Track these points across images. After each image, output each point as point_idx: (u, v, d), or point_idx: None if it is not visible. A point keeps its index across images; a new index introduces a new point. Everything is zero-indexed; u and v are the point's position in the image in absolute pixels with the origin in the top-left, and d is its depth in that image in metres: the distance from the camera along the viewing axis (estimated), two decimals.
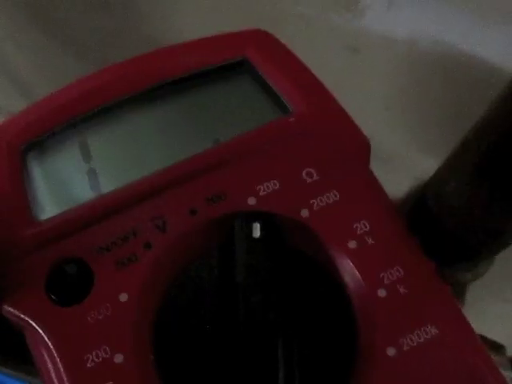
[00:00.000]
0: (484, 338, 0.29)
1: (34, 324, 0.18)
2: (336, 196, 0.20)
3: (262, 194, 0.20)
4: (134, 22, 0.38)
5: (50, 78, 0.41)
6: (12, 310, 0.19)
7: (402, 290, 0.18)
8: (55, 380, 0.17)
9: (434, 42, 0.34)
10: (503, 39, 0.32)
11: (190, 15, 0.37)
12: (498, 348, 0.29)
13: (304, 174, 0.20)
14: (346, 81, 0.36)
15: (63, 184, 0.21)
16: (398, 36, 0.34)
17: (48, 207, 0.21)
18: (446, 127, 0.39)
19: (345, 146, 0.21)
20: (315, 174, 0.20)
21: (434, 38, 0.34)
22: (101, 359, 0.17)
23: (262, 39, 0.25)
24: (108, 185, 0.21)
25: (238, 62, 0.24)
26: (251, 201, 0.20)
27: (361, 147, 0.21)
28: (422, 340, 0.18)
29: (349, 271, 0.19)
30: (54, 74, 0.41)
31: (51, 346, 0.18)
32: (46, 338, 0.18)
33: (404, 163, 0.42)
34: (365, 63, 0.37)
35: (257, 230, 0.19)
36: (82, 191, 0.21)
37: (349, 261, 0.19)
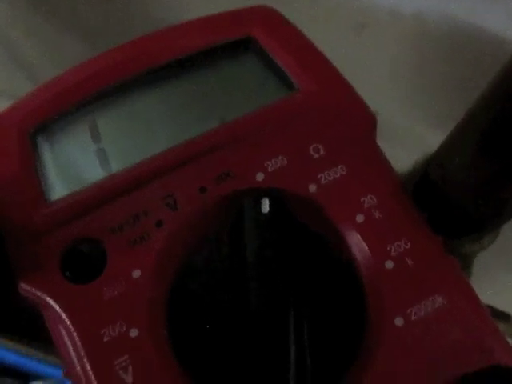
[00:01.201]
0: (491, 308, 0.30)
1: (50, 301, 0.19)
2: (343, 171, 0.20)
3: (269, 170, 0.20)
4: (138, 3, 0.38)
5: (55, 62, 0.41)
6: (29, 288, 0.19)
7: (409, 261, 0.19)
8: (73, 354, 0.18)
9: (441, 16, 0.34)
10: (509, 12, 0.32)
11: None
12: (505, 317, 0.29)
13: (311, 149, 0.21)
14: (352, 57, 0.36)
15: (74, 165, 0.22)
16: (404, 11, 0.34)
17: (60, 188, 0.21)
18: (452, 101, 0.38)
19: (351, 122, 0.21)
20: (322, 150, 0.21)
21: (441, 12, 0.34)
22: (116, 333, 0.18)
23: (268, 16, 0.25)
24: (118, 164, 0.21)
25: (244, 40, 0.24)
26: (259, 177, 0.20)
27: (367, 122, 0.22)
28: (429, 310, 0.18)
29: (356, 244, 0.19)
30: (59, 58, 0.41)
31: (68, 322, 0.18)
32: (62, 315, 0.18)
33: (411, 138, 0.42)
34: (371, 39, 0.37)
35: (266, 206, 0.19)
36: (93, 172, 0.21)
37: (356, 234, 0.19)
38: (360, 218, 0.19)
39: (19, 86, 0.39)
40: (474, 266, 0.28)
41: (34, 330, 0.21)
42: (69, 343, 0.18)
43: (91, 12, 0.40)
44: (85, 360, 0.18)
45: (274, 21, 0.24)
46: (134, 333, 0.18)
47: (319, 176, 0.20)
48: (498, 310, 0.29)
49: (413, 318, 0.18)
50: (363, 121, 0.21)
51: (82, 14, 0.40)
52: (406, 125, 0.41)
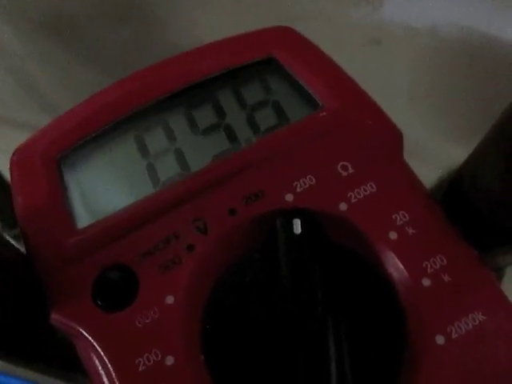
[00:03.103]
0: None
1: (83, 331, 0.18)
2: (373, 188, 0.20)
3: (298, 190, 0.20)
4: (153, 32, 0.39)
5: (71, 92, 0.41)
6: (60, 318, 0.19)
7: (446, 278, 0.18)
8: None
9: (457, 28, 0.34)
10: None
11: (208, 21, 0.37)
12: None
13: (339, 167, 0.20)
14: (370, 73, 0.36)
15: (102, 191, 0.22)
16: (419, 25, 0.34)
17: (89, 215, 0.21)
18: (473, 114, 0.38)
19: (378, 138, 0.21)
20: (350, 167, 0.20)
21: (457, 24, 0.33)
22: (152, 362, 0.18)
23: (288, 36, 0.25)
24: (146, 189, 0.21)
25: (266, 61, 0.24)
26: (289, 197, 0.20)
27: (393, 138, 0.21)
28: (470, 327, 0.18)
29: (392, 262, 0.19)
30: (74, 88, 0.41)
31: (102, 353, 0.18)
32: (96, 345, 0.18)
33: (431, 153, 0.42)
34: (388, 55, 0.37)
35: (298, 227, 0.19)
36: (121, 197, 0.21)
37: (391, 252, 0.19)
38: (393, 236, 0.19)
39: (35, 117, 0.39)
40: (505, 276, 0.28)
41: (66, 360, 0.20)
42: (103, 374, 0.18)
43: (106, 40, 0.41)
44: None
45: (294, 40, 0.24)
46: (169, 361, 0.18)
47: (349, 194, 0.20)
48: None
49: (453, 335, 0.18)
50: (390, 137, 0.21)
51: (97, 44, 0.41)
52: (426, 139, 0.41)
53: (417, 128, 0.40)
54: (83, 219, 0.21)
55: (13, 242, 0.23)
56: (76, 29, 0.41)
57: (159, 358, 0.18)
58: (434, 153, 0.42)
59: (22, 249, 0.21)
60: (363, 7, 0.33)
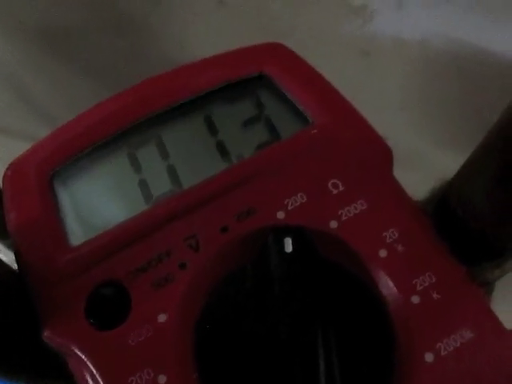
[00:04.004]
0: None
1: (76, 349, 0.19)
2: (363, 205, 0.20)
3: (290, 207, 0.20)
4: (147, 43, 0.39)
5: (67, 102, 0.42)
6: (53, 335, 0.19)
7: (435, 295, 0.19)
8: None
9: (446, 40, 0.34)
10: None
11: (201, 34, 0.37)
12: None
13: (330, 185, 0.21)
14: (360, 84, 0.36)
15: (95, 207, 0.22)
16: (409, 37, 0.34)
17: (82, 232, 0.21)
18: (462, 124, 0.39)
19: (368, 155, 0.21)
20: (341, 185, 0.21)
21: (446, 37, 0.34)
22: (144, 381, 0.18)
23: (279, 52, 0.25)
24: (139, 206, 0.21)
25: (257, 77, 0.24)
26: (280, 215, 0.20)
27: (383, 155, 0.22)
28: (458, 344, 0.18)
29: (382, 280, 0.19)
30: (71, 98, 0.41)
31: (94, 371, 0.18)
32: (89, 363, 0.18)
33: (422, 161, 0.42)
34: (378, 66, 0.37)
35: (289, 245, 0.19)
36: (114, 213, 0.21)
37: (381, 269, 0.19)
38: (383, 253, 0.19)
39: (32, 127, 0.40)
40: (495, 289, 0.28)
41: (59, 376, 0.21)
42: None
43: (101, 50, 0.41)
44: None
45: (285, 56, 0.25)
46: (162, 379, 0.18)
47: (340, 212, 0.20)
48: None
49: (442, 353, 0.18)
50: (379, 154, 0.22)
51: (92, 54, 0.41)
52: (417, 149, 0.41)
53: (407, 137, 0.41)
54: (76, 236, 0.21)
55: (8, 250, 0.23)
56: (71, 39, 0.41)
57: (152, 377, 0.18)
58: (424, 160, 0.42)
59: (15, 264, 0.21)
60: (353, 20, 0.34)
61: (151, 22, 0.38)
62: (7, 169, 0.23)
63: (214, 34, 0.36)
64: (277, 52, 0.25)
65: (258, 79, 0.24)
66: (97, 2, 0.39)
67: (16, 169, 0.23)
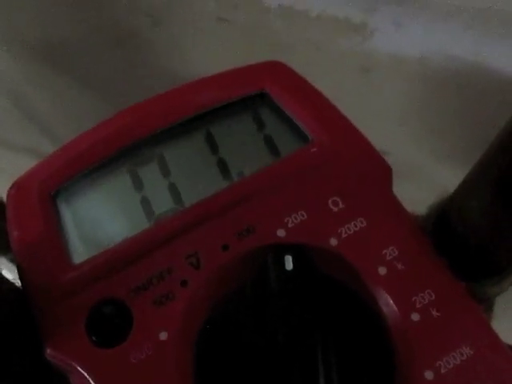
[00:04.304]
0: None
1: (78, 367, 0.19)
2: (363, 223, 0.20)
3: (290, 225, 0.20)
4: (146, 57, 0.39)
5: (68, 115, 0.42)
6: (55, 353, 0.19)
7: (434, 313, 0.19)
8: None
9: (445, 57, 0.34)
10: (510, 50, 0.33)
11: (200, 48, 0.38)
12: None
13: (330, 202, 0.21)
14: (360, 100, 0.37)
15: (98, 226, 0.22)
16: (408, 54, 0.35)
17: (84, 249, 0.21)
18: (462, 138, 0.39)
19: (367, 173, 0.22)
20: (341, 203, 0.21)
21: (445, 54, 0.34)
22: None
23: (279, 71, 0.25)
24: (140, 224, 0.21)
25: (257, 95, 0.24)
26: (280, 233, 0.20)
27: (383, 173, 0.22)
28: (458, 362, 0.18)
29: (382, 297, 0.19)
30: (72, 111, 0.42)
31: None
32: (91, 381, 0.18)
33: (422, 175, 0.42)
34: (377, 83, 0.37)
35: (289, 263, 0.20)
36: (116, 232, 0.21)
37: (380, 287, 0.19)
38: (383, 271, 0.19)
39: (35, 143, 0.40)
40: (495, 305, 0.28)
41: None
42: None
43: (101, 65, 0.41)
44: None
45: (286, 75, 0.25)
46: None
47: (340, 230, 0.20)
48: None
49: (442, 370, 0.18)
50: (379, 172, 0.22)
51: (93, 67, 0.41)
52: (417, 163, 0.41)
53: (407, 151, 0.41)
54: (78, 254, 0.21)
55: (11, 266, 0.24)
56: (71, 54, 0.42)
57: None
58: (424, 174, 0.42)
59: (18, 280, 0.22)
60: (353, 37, 0.34)
61: (151, 36, 0.38)
62: (11, 187, 0.23)
63: (213, 49, 0.37)
64: (277, 70, 0.25)
65: (258, 97, 0.24)
66: (97, 17, 0.40)
67: (19, 187, 0.23)
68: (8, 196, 0.23)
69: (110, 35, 0.40)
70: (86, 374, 0.18)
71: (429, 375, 0.18)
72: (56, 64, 0.41)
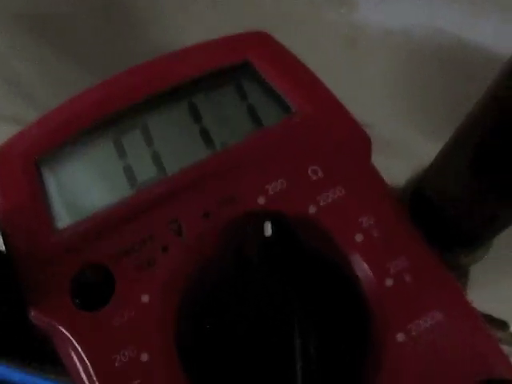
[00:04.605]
0: (489, 317, 0.31)
1: (62, 329, 0.19)
2: (341, 192, 0.21)
3: (270, 193, 0.21)
4: (134, 30, 0.39)
5: (55, 87, 0.42)
6: (40, 315, 0.20)
7: (407, 278, 0.19)
8: (86, 380, 0.19)
9: (430, 31, 0.35)
10: (494, 25, 0.33)
11: (188, 21, 0.37)
12: (502, 325, 0.30)
13: (310, 171, 0.21)
14: (346, 72, 0.37)
15: (80, 192, 0.22)
16: (393, 27, 0.35)
17: (67, 216, 0.21)
18: (444, 112, 0.39)
19: (347, 143, 0.22)
20: (320, 171, 0.21)
21: (430, 27, 0.34)
22: (128, 359, 0.18)
23: (263, 41, 0.25)
24: (123, 191, 0.22)
25: (241, 65, 0.24)
26: (261, 200, 0.21)
27: (362, 144, 0.22)
28: (428, 325, 0.19)
29: (357, 263, 0.20)
30: (58, 83, 0.41)
31: (80, 349, 0.19)
32: (74, 342, 0.19)
33: (405, 148, 0.43)
34: (363, 54, 0.37)
35: (268, 229, 0.20)
36: (99, 198, 0.22)
37: (356, 253, 0.20)
38: (359, 238, 0.20)
39: (20, 112, 0.40)
40: (470, 274, 0.29)
41: (45, 354, 0.21)
42: (81, 369, 0.19)
43: (89, 37, 0.41)
44: None
45: (269, 45, 0.25)
46: (144, 357, 0.18)
47: (318, 198, 0.21)
48: (496, 319, 0.30)
49: (413, 333, 0.19)
50: (359, 142, 0.22)
51: (78, 40, 0.41)
52: (400, 136, 0.42)
53: (391, 124, 0.41)
54: (62, 220, 0.21)
55: None
56: (59, 26, 0.41)
57: (135, 355, 0.18)
58: (407, 148, 0.43)
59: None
60: (338, 9, 0.34)
61: (139, 10, 0.38)
62: None
63: (201, 21, 0.37)
64: (261, 41, 0.25)
65: (241, 67, 0.24)
66: None
67: (3, 154, 0.23)
68: None
69: (97, 7, 0.40)
70: (69, 336, 0.19)
71: (400, 337, 0.19)
72: (41, 34, 0.41)
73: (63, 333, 0.19)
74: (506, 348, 0.20)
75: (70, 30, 0.41)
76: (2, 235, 0.21)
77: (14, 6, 0.40)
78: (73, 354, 0.19)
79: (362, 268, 0.20)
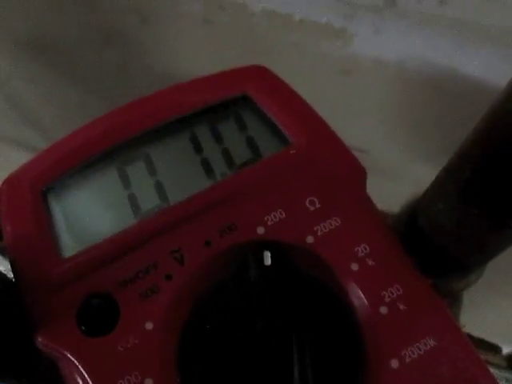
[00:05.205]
0: (482, 341, 0.31)
1: (68, 354, 0.20)
2: (337, 222, 0.22)
3: (269, 223, 0.22)
4: (134, 56, 0.40)
5: (57, 109, 0.43)
6: (46, 341, 0.20)
7: (401, 306, 0.20)
8: None
9: (422, 62, 0.36)
10: (484, 57, 0.35)
11: (187, 49, 0.38)
12: (494, 349, 0.31)
13: (307, 202, 0.22)
14: (341, 102, 0.38)
15: (86, 221, 0.23)
16: (387, 59, 0.36)
17: (73, 244, 0.22)
18: (436, 138, 0.40)
19: (343, 174, 0.23)
20: (317, 202, 0.22)
21: (422, 59, 0.36)
22: None
23: (261, 74, 0.26)
24: (128, 220, 0.22)
25: (240, 98, 0.25)
26: (260, 230, 0.22)
27: (358, 174, 0.23)
28: (422, 352, 0.20)
29: (353, 291, 0.21)
30: (60, 105, 0.42)
31: (85, 374, 0.19)
32: (80, 367, 0.20)
33: (399, 173, 0.44)
34: (358, 85, 0.39)
35: (268, 258, 0.21)
36: (104, 226, 0.23)
37: (352, 282, 0.21)
38: (355, 267, 0.21)
39: (23, 134, 0.41)
40: (463, 300, 0.30)
41: (52, 380, 0.22)
42: None
43: (90, 61, 0.42)
44: None
45: (267, 79, 0.26)
46: (148, 382, 0.19)
47: (316, 228, 0.21)
48: (488, 343, 0.31)
49: (407, 359, 0.19)
50: (354, 173, 0.23)
51: (82, 65, 0.42)
52: (395, 161, 0.43)
53: (385, 151, 0.43)
54: (68, 248, 0.22)
55: (3, 259, 0.24)
56: (61, 50, 0.42)
57: (139, 380, 0.19)
58: (401, 173, 0.44)
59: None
60: (333, 41, 0.35)
61: (139, 36, 0.39)
62: (3, 183, 0.24)
63: (199, 50, 0.38)
64: (259, 74, 0.26)
65: (240, 100, 0.25)
66: (87, 16, 0.41)
67: (11, 184, 0.24)
68: (0, 191, 0.24)
69: (98, 32, 0.41)
70: (75, 361, 0.20)
71: (394, 363, 0.19)
72: (44, 59, 0.42)
73: (69, 358, 0.20)
74: (497, 372, 0.21)
75: (71, 54, 0.41)
76: (11, 263, 0.22)
77: (21, 34, 0.41)
78: (78, 379, 0.20)
79: (358, 296, 0.20)
